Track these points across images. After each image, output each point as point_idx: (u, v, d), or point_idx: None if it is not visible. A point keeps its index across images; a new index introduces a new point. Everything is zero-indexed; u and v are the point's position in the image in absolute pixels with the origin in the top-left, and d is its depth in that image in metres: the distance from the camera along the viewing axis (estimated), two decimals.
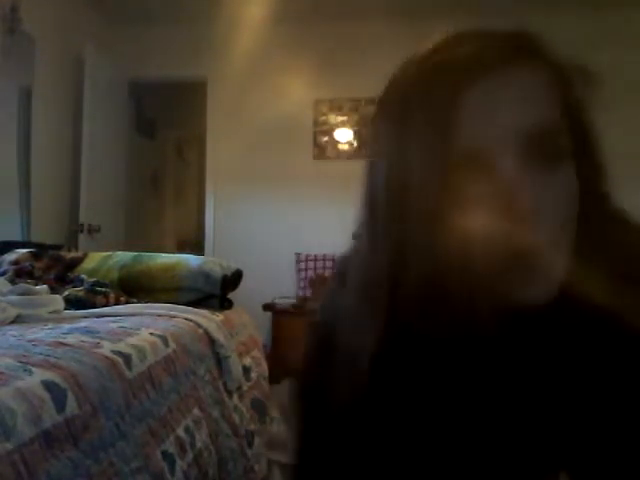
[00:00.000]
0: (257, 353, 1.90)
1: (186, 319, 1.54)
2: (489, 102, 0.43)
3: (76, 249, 3.10)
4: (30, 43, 3.14)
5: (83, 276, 1.89)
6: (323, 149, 4.11)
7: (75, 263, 2.08)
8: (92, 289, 1.74)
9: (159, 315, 1.54)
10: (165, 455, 1.03)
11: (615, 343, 0.42)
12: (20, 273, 1.86)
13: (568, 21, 3.47)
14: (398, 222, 0.43)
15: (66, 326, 1.25)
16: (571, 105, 0.46)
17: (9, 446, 0.66)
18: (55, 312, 1.46)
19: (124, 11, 3.96)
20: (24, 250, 2.13)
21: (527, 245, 0.41)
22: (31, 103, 3.17)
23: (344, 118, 4.09)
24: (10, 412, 0.69)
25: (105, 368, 0.97)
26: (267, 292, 3.83)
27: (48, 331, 1.17)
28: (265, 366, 1.92)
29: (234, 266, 2.05)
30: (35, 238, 3.08)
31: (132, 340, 1.16)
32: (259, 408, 1.67)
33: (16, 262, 1.97)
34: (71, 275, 1.94)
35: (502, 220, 0.41)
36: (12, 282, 1.69)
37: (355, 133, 4.08)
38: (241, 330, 1.86)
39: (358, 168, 0.51)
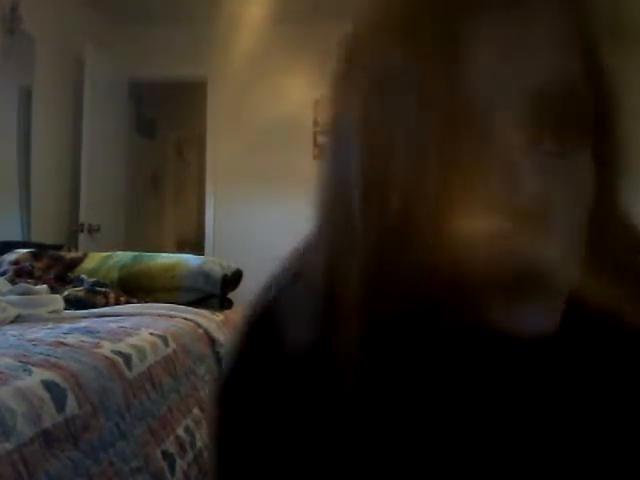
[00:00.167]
0: None
1: (186, 319, 1.54)
2: (498, 42, 0.31)
3: (76, 249, 3.10)
4: (30, 43, 3.13)
5: (83, 276, 1.89)
6: None
7: (75, 263, 2.08)
8: (92, 289, 1.74)
9: (159, 315, 1.54)
10: (165, 455, 1.03)
11: (621, 357, 0.35)
12: (20, 273, 1.86)
13: None
14: (377, 218, 0.32)
15: (66, 326, 1.25)
16: (598, 67, 0.34)
17: (9, 446, 0.66)
18: (55, 312, 1.46)
19: (124, 11, 3.96)
20: (24, 250, 2.13)
21: (532, 253, 0.31)
22: (31, 103, 3.17)
23: None
24: (10, 412, 0.69)
25: (105, 368, 0.97)
26: None
27: (48, 331, 1.17)
28: None
29: (234, 266, 2.05)
30: (35, 238, 3.08)
31: (132, 340, 1.16)
32: None
33: (16, 262, 1.97)
34: (71, 275, 1.94)
35: (499, 216, 0.31)
36: (12, 282, 1.69)
37: None
38: None
39: None
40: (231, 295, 2.01)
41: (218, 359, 1.53)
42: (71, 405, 0.82)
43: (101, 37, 3.91)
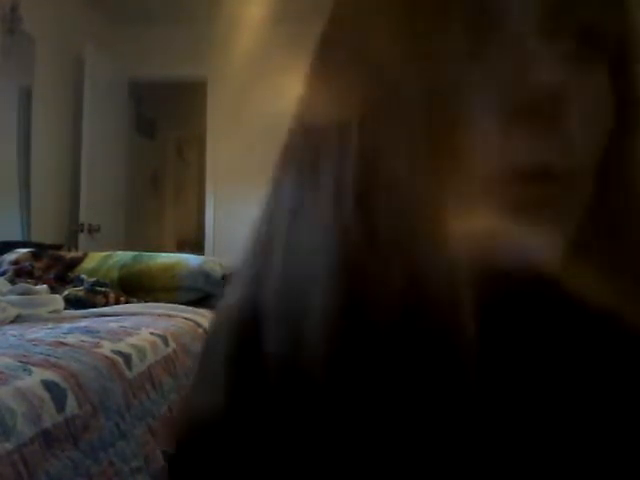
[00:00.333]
0: None
1: (186, 319, 1.54)
2: None
3: (76, 249, 3.10)
4: (30, 43, 3.13)
5: (83, 276, 1.89)
6: None
7: (75, 263, 2.08)
8: (92, 289, 1.74)
9: (159, 315, 1.54)
10: (165, 455, 1.03)
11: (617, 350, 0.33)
12: (20, 273, 1.86)
13: None
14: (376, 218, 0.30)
15: (66, 326, 1.25)
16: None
17: (9, 446, 0.66)
18: (55, 312, 1.46)
19: (124, 11, 3.96)
20: (24, 250, 2.13)
21: (546, 152, 0.28)
22: (31, 103, 3.17)
23: None
24: (10, 412, 0.69)
25: (105, 368, 0.97)
26: None
27: (48, 331, 1.17)
28: None
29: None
30: (35, 238, 3.08)
31: (132, 340, 1.16)
32: None
33: (16, 262, 1.97)
34: (71, 275, 1.94)
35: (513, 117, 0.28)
36: (12, 282, 1.69)
37: None
38: None
39: None
40: None
41: None
42: (71, 405, 0.82)
43: (101, 37, 3.91)
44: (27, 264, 1.94)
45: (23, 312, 1.37)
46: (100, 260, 2.07)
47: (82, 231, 3.50)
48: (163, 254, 2.14)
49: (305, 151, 0.35)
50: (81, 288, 1.75)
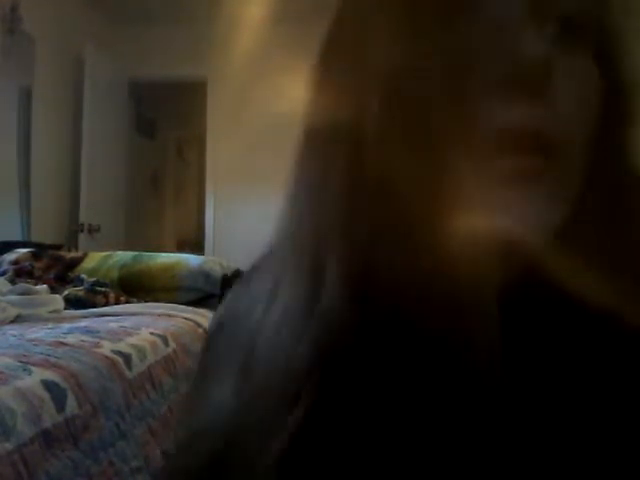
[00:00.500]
0: None
1: (186, 319, 1.54)
2: None
3: (76, 249, 3.10)
4: (30, 43, 3.13)
5: (83, 276, 1.89)
6: None
7: (75, 263, 2.08)
8: (92, 289, 1.74)
9: (159, 315, 1.54)
10: (165, 455, 1.03)
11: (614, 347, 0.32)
12: (20, 273, 1.86)
13: None
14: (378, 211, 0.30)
15: (66, 326, 1.25)
16: None
17: (9, 446, 0.66)
18: (55, 312, 1.46)
19: (124, 11, 3.96)
20: (24, 250, 2.13)
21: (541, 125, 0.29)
22: (31, 103, 3.17)
23: None
24: (10, 412, 0.69)
25: (105, 368, 0.97)
26: None
27: (48, 331, 1.17)
28: None
29: (234, 266, 2.05)
30: (35, 238, 3.08)
31: (132, 340, 1.16)
32: None
33: (16, 262, 1.97)
34: (71, 275, 1.94)
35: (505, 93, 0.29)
36: (12, 282, 1.69)
37: None
38: None
39: None
40: None
41: None
42: (71, 405, 0.82)
43: (101, 37, 3.91)
44: (27, 264, 1.94)
45: (23, 312, 1.37)
46: (100, 260, 2.07)
47: (82, 231, 3.50)
48: (163, 254, 2.14)
49: (314, 160, 0.36)
50: (81, 288, 1.75)
